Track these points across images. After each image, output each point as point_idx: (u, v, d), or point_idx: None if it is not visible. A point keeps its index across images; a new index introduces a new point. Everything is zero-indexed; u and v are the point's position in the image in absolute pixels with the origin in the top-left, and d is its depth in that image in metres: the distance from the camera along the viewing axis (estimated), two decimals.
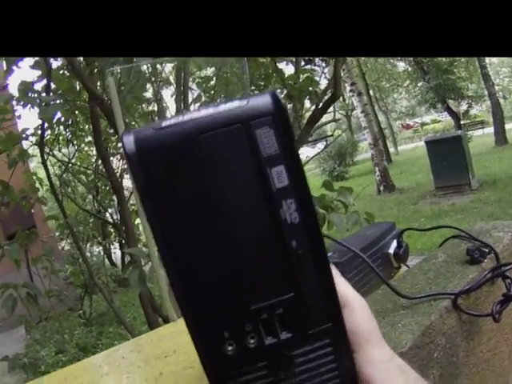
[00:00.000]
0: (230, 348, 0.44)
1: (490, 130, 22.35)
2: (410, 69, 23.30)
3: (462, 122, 23.60)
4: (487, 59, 24.66)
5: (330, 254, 1.29)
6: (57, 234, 9.13)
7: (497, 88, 23.87)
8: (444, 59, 21.66)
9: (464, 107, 27.27)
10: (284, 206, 0.42)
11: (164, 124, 0.41)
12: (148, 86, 3.17)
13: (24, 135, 3.15)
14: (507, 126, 20.69)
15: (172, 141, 0.40)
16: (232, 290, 0.43)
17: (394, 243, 1.41)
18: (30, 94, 2.72)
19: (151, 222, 0.41)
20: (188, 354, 0.81)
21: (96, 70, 2.81)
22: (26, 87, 2.72)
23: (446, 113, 25.63)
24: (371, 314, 0.51)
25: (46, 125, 3.34)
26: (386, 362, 0.48)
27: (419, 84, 24.56)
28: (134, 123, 2.95)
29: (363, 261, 1.11)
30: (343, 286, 0.49)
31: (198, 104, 3.21)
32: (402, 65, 24.48)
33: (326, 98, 2.93)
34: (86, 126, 4.66)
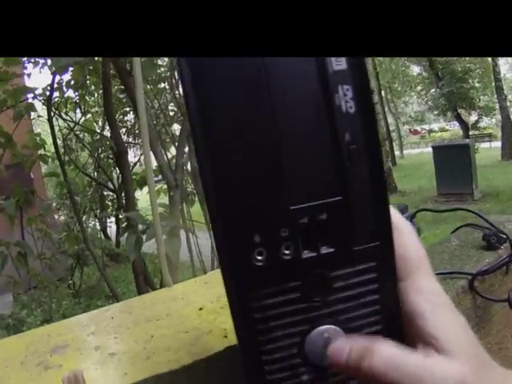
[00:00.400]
0: (259, 257, 0.37)
1: (498, 143, 22.39)
2: (424, 73, 23.22)
3: (470, 133, 23.60)
4: (502, 73, 24.65)
5: None
6: (54, 204, 9.13)
7: (509, 103, 23.88)
8: (459, 68, 21.67)
9: (474, 118, 27.26)
10: (340, 91, 0.35)
11: None
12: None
13: (32, 94, 3.11)
14: None
15: None
16: (271, 184, 0.36)
17: None
18: None
19: (190, 106, 0.35)
20: (182, 319, 0.77)
21: None
22: None
23: (454, 122, 25.67)
24: (420, 242, 0.45)
25: (55, 84, 3.30)
26: (437, 294, 0.42)
27: (432, 90, 24.53)
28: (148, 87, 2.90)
29: None
30: (391, 209, 0.43)
31: None
32: (416, 68, 24.43)
33: None
34: (96, 94, 4.62)
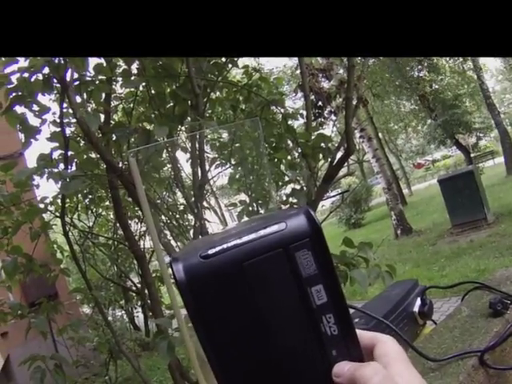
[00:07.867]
0: None
1: (501, 159, 22.32)
2: (416, 107, 23.24)
3: (472, 155, 23.56)
4: (490, 87, 24.72)
5: (356, 321, 1.34)
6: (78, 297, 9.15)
7: (503, 116, 23.86)
8: (449, 94, 21.77)
9: (473, 140, 27.28)
10: (324, 320, 0.46)
11: (210, 252, 0.45)
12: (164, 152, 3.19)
13: (43, 205, 3.17)
14: None
15: (219, 269, 0.44)
16: None
17: (418, 301, 1.44)
18: (48, 169, 2.72)
19: (204, 346, 0.44)
20: None
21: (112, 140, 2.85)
22: (45, 162, 2.73)
23: (456, 147, 25.65)
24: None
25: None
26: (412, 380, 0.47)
27: (428, 122, 24.55)
28: (153, 191, 2.99)
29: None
30: (367, 333, 0.51)
31: (213, 166, 3.23)
32: (408, 104, 24.41)
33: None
34: (104, 194, 4.74)
